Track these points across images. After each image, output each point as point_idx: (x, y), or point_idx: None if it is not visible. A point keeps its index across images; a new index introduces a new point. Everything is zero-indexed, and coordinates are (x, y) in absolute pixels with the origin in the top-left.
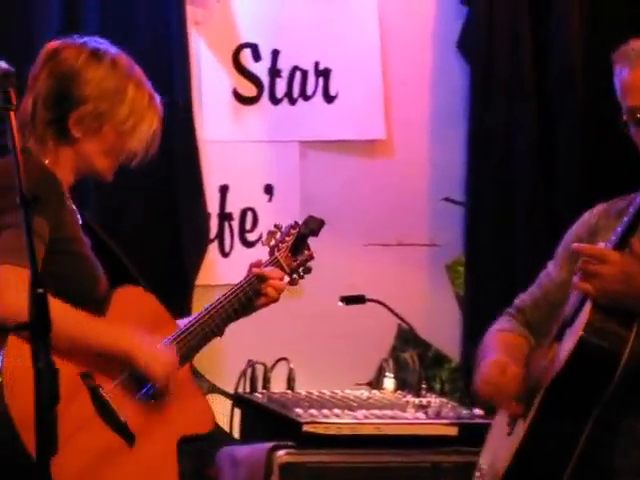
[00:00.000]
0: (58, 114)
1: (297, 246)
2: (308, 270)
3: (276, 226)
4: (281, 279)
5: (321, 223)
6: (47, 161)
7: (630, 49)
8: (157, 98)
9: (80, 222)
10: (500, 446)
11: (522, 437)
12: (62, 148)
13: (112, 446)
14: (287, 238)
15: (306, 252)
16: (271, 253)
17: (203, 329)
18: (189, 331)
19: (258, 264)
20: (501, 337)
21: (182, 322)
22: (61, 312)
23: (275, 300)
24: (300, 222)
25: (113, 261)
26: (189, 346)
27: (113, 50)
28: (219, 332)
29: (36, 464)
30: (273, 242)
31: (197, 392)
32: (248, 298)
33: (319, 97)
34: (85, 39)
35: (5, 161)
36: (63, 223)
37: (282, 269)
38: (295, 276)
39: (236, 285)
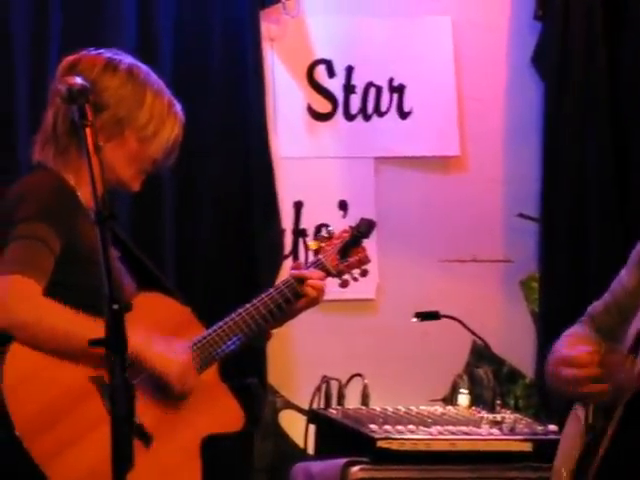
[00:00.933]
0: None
1: (347, 249)
2: (364, 273)
3: (328, 231)
4: (322, 279)
5: (371, 225)
6: (70, 175)
7: None
8: (178, 106)
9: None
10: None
11: (603, 452)
12: (84, 159)
13: None
14: (336, 241)
15: (360, 255)
16: (315, 256)
17: (233, 331)
18: (216, 333)
19: (298, 266)
20: (571, 336)
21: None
22: (67, 317)
23: (316, 301)
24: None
25: (144, 272)
26: (215, 348)
27: (129, 59)
28: (260, 334)
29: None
30: (322, 245)
31: (225, 392)
32: (286, 300)
33: (393, 113)
34: (101, 50)
35: (32, 176)
36: (79, 234)
37: (327, 272)
38: (346, 278)
39: (273, 287)
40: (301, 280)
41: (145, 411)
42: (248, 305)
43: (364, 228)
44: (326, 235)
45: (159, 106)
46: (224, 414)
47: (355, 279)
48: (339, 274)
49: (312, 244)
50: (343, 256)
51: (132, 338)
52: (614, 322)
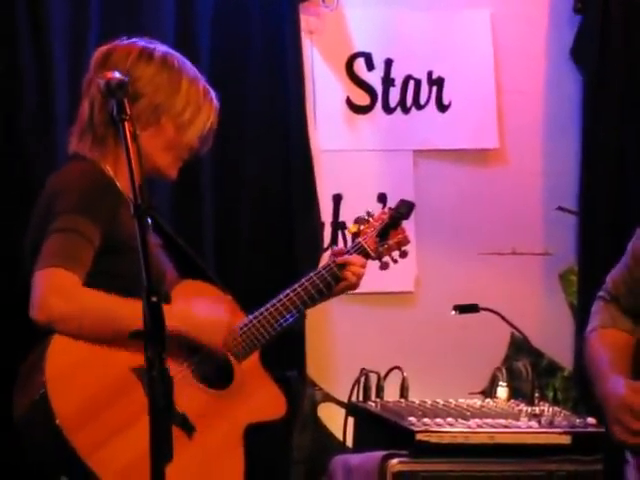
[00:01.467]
0: None
1: (386, 230)
2: (404, 254)
3: (368, 213)
4: (362, 265)
5: (411, 206)
6: (108, 165)
7: None
8: (213, 93)
9: (149, 221)
10: None
11: None
12: (122, 150)
13: None
14: (375, 223)
15: (399, 236)
16: (354, 239)
17: (274, 317)
18: (257, 319)
19: (340, 251)
20: (607, 341)
21: (253, 314)
22: (111, 303)
23: (355, 285)
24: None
25: (185, 259)
26: (257, 335)
27: (163, 48)
28: (298, 318)
29: (151, 471)
30: (362, 228)
31: (266, 380)
32: (327, 285)
33: (432, 106)
34: (134, 39)
35: (70, 167)
36: (120, 223)
37: (366, 254)
38: (386, 260)
39: (314, 272)
40: (342, 265)
41: (189, 400)
42: (289, 290)
43: (403, 209)
44: (365, 217)
45: (195, 93)
46: (266, 402)
47: (395, 261)
48: (379, 257)
49: (352, 227)
50: (382, 238)
51: (172, 309)
52: (637, 304)
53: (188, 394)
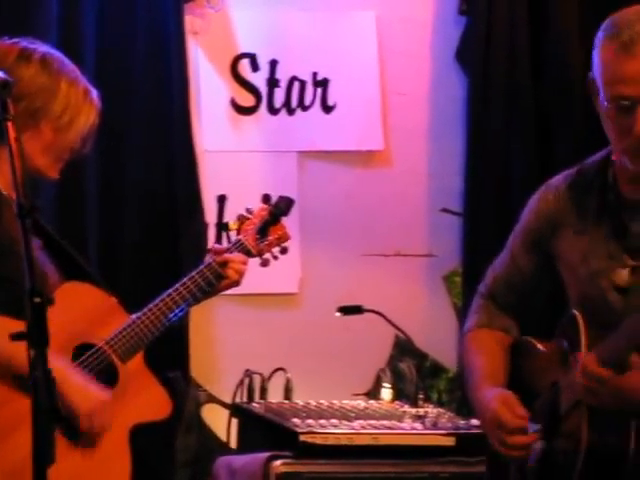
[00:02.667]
0: None
1: (266, 227)
2: (284, 250)
3: (247, 210)
4: (244, 262)
5: (290, 202)
6: None
7: (631, 31)
8: (94, 92)
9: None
10: None
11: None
12: (1, 149)
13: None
14: (255, 220)
15: (279, 232)
16: (236, 236)
17: (157, 317)
18: (140, 320)
19: (220, 249)
20: (481, 345)
21: (137, 314)
22: None
23: (237, 282)
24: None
25: (68, 261)
26: (140, 335)
27: (42, 48)
28: (179, 319)
29: (34, 473)
30: (242, 225)
31: (151, 380)
32: (208, 282)
33: (317, 107)
34: (15, 39)
35: None
36: (2, 225)
37: (247, 252)
38: (267, 257)
39: (195, 270)
40: (223, 263)
41: None
42: (171, 290)
43: (282, 205)
44: (245, 215)
45: (74, 95)
46: (151, 402)
47: (275, 257)
48: (259, 253)
49: (232, 224)
50: (262, 235)
51: (56, 366)
52: (516, 300)
53: None
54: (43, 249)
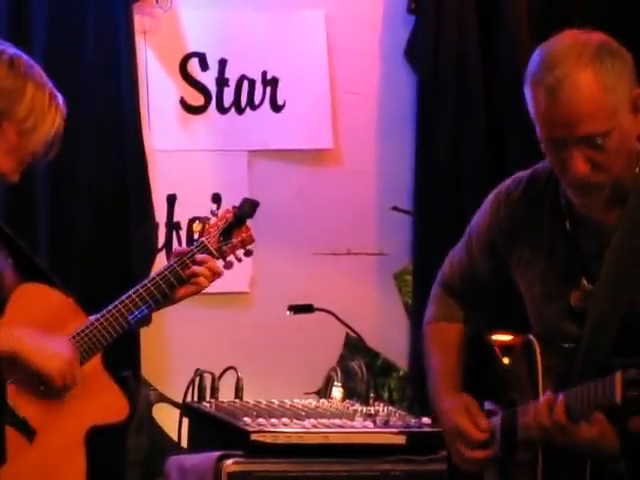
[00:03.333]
0: None
1: (230, 229)
2: (248, 253)
3: (212, 212)
4: (209, 267)
5: (254, 205)
6: None
7: (555, 75)
8: (60, 98)
9: None
10: None
11: None
12: None
13: (11, 444)
14: (219, 222)
15: (243, 235)
16: (198, 238)
17: (116, 319)
18: (99, 322)
19: (182, 252)
20: (439, 341)
21: (95, 316)
22: None
23: (201, 287)
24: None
25: (25, 260)
26: (98, 337)
27: (11, 50)
28: (141, 321)
29: None
30: (206, 227)
31: (108, 382)
32: (169, 285)
33: (267, 106)
34: None
35: None
36: None
37: (210, 253)
38: (230, 259)
39: (156, 273)
40: (185, 265)
41: (29, 405)
42: (131, 292)
43: (247, 208)
44: (209, 217)
45: (40, 99)
46: (108, 405)
47: (239, 260)
48: (222, 256)
49: (195, 226)
50: (226, 237)
51: (15, 336)
52: (471, 294)
53: (28, 399)
54: (0, 250)
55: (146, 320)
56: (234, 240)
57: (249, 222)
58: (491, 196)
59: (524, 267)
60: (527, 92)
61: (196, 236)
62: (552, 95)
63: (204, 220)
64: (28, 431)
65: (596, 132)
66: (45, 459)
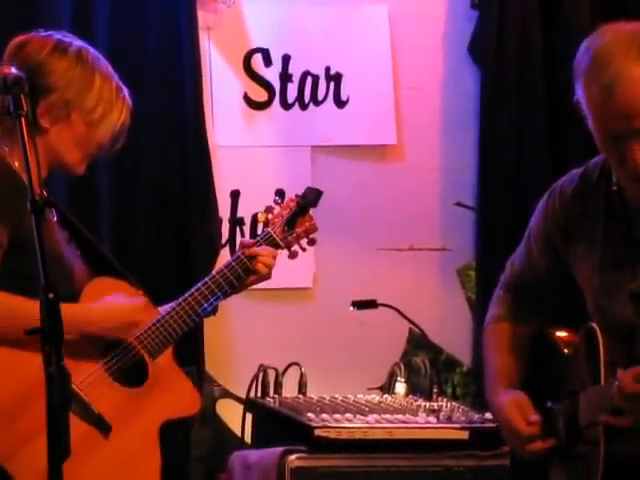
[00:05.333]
0: None
1: (294, 219)
2: (312, 242)
3: (275, 201)
4: (272, 256)
5: (318, 193)
6: (15, 158)
7: (610, 72)
8: (126, 91)
9: (54, 218)
10: None
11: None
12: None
13: (86, 439)
14: (283, 212)
15: (307, 224)
16: (264, 228)
17: (186, 312)
18: (170, 315)
19: (249, 243)
20: (499, 341)
21: (164, 308)
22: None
23: (267, 276)
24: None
25: (94, 253)
26: (170, 331)
27: (78, 42)
28: (211, 311)
29: (49, 468)
30: (270, 217)
31: (180, 376)
32: (237, 276)
33: (330, 102)
34: (50, 32)
35: None
36: (27, 222)
37: (275, 244)
38: (295, 249)
39: (224, 264)
40: (252, 257)
41: (104, 400)
42: (200, 284)
43: (310, 196)
44: (273, 206)
45: (107, 90)
46: (181, 398)
47: (304, 249)
48: (287, 246)
49: (260, 216)
50: (291, 227)
51: (74, 306)
52: (532, 298)
53: (103, 394)
54: (70, 242)
55: (213, 310)
56: (298, 229)
57: (312, 212)
58: (546, 194)
59: (581, 261)
60: (579, 87)
61: (260, 226)
62: (608, 92)
63: (268, 210)
64: (104, 427)
65: None
66: (121, 454)
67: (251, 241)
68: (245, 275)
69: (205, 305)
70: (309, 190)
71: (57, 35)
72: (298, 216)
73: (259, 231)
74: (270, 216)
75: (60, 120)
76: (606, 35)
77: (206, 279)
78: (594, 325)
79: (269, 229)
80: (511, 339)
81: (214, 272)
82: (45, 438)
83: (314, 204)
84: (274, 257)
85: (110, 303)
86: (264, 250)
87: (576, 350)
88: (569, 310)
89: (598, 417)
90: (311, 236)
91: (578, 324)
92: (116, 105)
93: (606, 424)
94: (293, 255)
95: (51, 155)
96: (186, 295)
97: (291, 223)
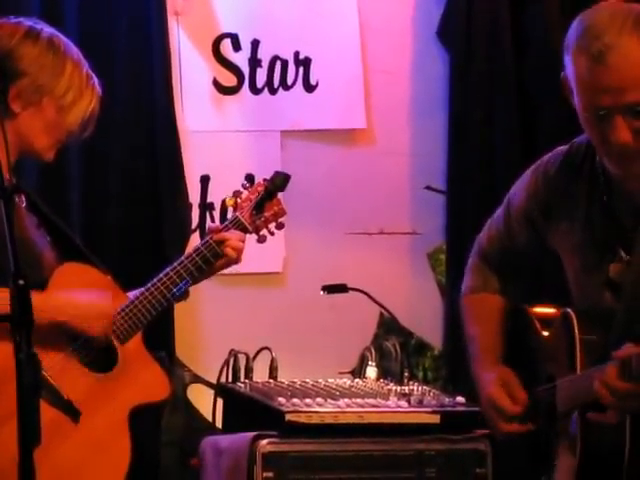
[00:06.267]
0: None
1: (262, 203)
2: (280, 226)
3: (243, 186)
4: (241, 240)
5: (286, 178)
6: None
7: (601, 43)
8: (95, 79)
9: (24, 204)
10: None
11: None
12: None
13: (56, 424)
14: (252, 196)
15: (275, 208)
16: (232, 212)
17: (155, 297)
18: (139, 300)
19: (217, 228)
20: (478, 312)
21: (133, 293)
22: None
23: (236, 261)
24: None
25: (63, 239)
26: (139, 316)
27: (49, 29)
28: (180, 295)
29: (20, 455)
30: (238, 201)
31: (150, 361)
32: (205, 261)
33: (299, 86)
34: (20, 19)
35: None
36: None
37: (244, 228)
38: (263, 233)
39: (193, 249)
40: (220, 241)
41: (74, 385)
42: (168, 269)
43: (279, 181)
44: (241, 191)
45: (78, 77)
46: (150, 383)
47: (272, 233)
48: (256, 230)
49: (228, 200)
50: (259, 211)
51: (53, 296)
52: (508, 267)
53: (72, 380)
54: (39, 228)
55: (185, 295)
56: (266, 214)
57: (282, 197)
58: (531, 169)
59: (562, 239)
60: (569, 61)
61: (230, 210)
62: (599, 62)
63: (236, 194)
64: (73, 412)
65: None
66: (91, 439)
67: (219, 226)
68: (214, 260)
69: (174, 290)
70: (277, 174)
71: (28, 22)
72: (266, 200)
73: (229, 216)
74: (238, 200)
75: (31, 105)
76: (600, 10)
77: (175, 264)
78: (570, 312)
79: (237, 213)
80: (489, 310)
81: (183, 257)
82: (12, 425)
83: (282, 188)
84: (242, 241)
85: (80, 294)
86: (232, 234)
87: (553, 334)
88: (542, 282)
89: (579, 410)
90: (279, 220)
91: (556, 298)
92: (86, 91)
93: (590, 420)
94: (262, 239)
95: (20, 141)
96: (155, 280)
97: (259, 207)
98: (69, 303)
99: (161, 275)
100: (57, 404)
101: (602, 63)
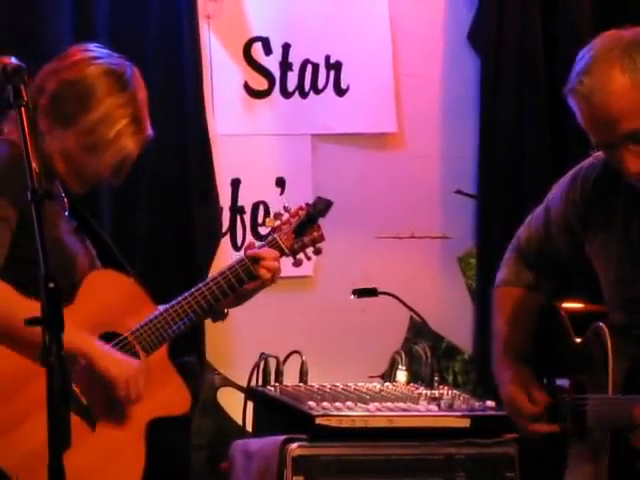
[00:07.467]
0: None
1: (302, 227)
2: (318, 251)
3: (285, 208)
4: (276, 259)
5: (329, 204)
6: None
7: (589, 81)
8: (147, 132)
9: (66, 210)
10: None
11: None
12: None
13: (73, 430)
14: (292, 219)
15: (314, 233)
16: (270, 234)
17: (185, 311)
18: (168, 313)
19: (252, 246)
20: (508, 307)
21: (163, 306)
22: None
23: (270, 282)
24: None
25: (99, 245)
26: (166, 328)
27: (130, 70)
28: (214, 314)
29: (50, 457)
30: (278, 223)
31: (173, 374)
32: (239, 280)
33: (330, 90)
34: (86, 46)
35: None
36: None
37: (280, 250)
38: (300, 257)
39: (226, 266)
40: (255, 260)
41: (93, 393)
42: (201, 285)
43: (321, 206)
44: (282, 212)
45: (110, 126)
46: (171, 397)
47: (309, 258)
48: (293, 253)
49: (268, 221)
50: (298, 235)
51: (86, 338)
52: (544, 265)
53: (93, 386)
54: (76, 233)
55: (223, 314)
56: (305, 239)
57: (300, 201)
58: (570, 174)
59: (598, 249)
60: (569, 102)
61: (268, 230)
62: (586, 102)
63: (277, 216)
64: (91, 419)
65: (636, 127)
66: (106, 447)
67: (256, 244)
68: (247, 279)
69: (204, 306)
70: (319, 200)
71: (108, 58)
72: (307, 225)
73: (259, 219)
74: (278, 222)
75: (59, 128)
76: (595, 43)
77: (207, 279)
78: (602, 325)
79: (275, 235)
80: (521, 306)
81: (217, 274)
82: (34, 424)
83: (323, 214)
84: (277, 260)
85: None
86: (267, 252)
87: (585, 343)
88: (572, 278)
89: (631, 439)
90: (317, 245)
91: (580, 292)
92: (117, 143)
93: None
94: (298, 263)
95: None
96: (186, 294)
97: (299, 232)
98: (102, 350)
99: (193, 290)
100: (75, 409)
101: (588, 102)
